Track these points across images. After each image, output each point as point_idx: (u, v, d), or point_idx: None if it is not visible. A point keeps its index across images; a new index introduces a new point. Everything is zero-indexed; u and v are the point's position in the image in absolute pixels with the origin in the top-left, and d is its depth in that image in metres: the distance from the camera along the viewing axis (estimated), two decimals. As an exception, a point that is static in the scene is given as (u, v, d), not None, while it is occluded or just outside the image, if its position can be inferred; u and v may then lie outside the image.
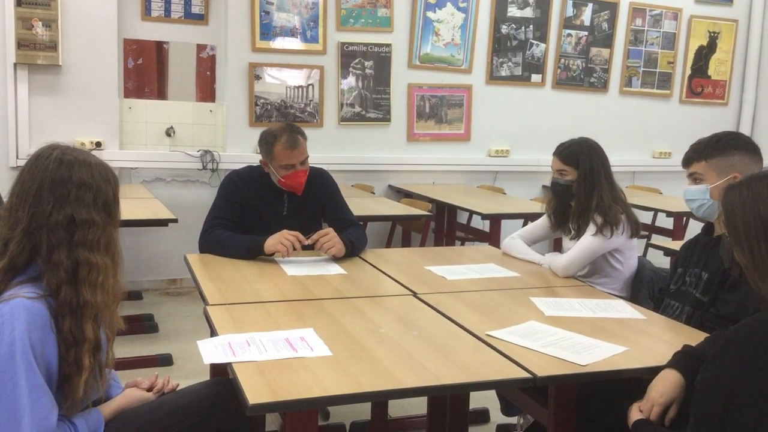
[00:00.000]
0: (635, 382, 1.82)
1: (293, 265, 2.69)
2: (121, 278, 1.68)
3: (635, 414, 1.69)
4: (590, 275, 2.83)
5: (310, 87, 5.44)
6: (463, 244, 5.53)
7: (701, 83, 6.77)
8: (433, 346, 1.86)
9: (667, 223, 5.41)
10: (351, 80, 5.56)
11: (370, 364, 1.71)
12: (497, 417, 3.03)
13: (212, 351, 1.77)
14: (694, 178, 2.23)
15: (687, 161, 2.26)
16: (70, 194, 1.56)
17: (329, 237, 2.77)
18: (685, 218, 5.31)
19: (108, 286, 1.60)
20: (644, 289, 2.80)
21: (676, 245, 3.03)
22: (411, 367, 1.71)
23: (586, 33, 6.24)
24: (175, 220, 3.72)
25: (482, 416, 3.16)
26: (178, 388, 2.00)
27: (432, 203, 5.05)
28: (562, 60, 6.19)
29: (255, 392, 1.52)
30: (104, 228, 1.60)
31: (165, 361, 3.72)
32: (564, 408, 1.96)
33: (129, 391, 1.90)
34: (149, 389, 1.93)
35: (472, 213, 4.97)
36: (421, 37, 5.71)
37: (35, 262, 1.56)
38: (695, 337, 1.94)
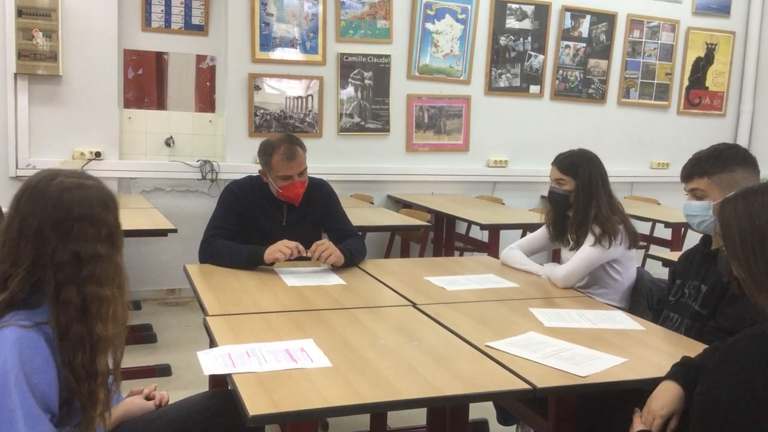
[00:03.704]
0: (635, 392, 1.82)
1: (293, 275, 2.69)
2: (128, 301, 1.63)
3: (637, 425, 1.69)
4: (589, 286, 2.84)
5: (310, 97, 5.46)
6: (462, 254, 5.54)
7: (699, 94, 6.79)
8: (433, 357, 1.86)
9: (666, 233, 5.43)
10: (350, 91, 5.58)
11: (369, 375, 1.71)
12: (497, 428, 3.02)
13: (212, 362, 1.77)
14: (695, 194, 2.17)
15: (688, 176, 2.18)
16: (72, 230, 1.50)
17: (326, 246, 2.78)
18: (683, 229, 5.32)
19: (118, 317, 1.57)
20: (643, 299, 2.80)
21: (675, 256, 3.04)
22: (410, 378, 1.71)
23: (584, 44, 6.27)
24: (174, 231, 3.72)
25: (482, 427, 3.15)
26: (178, 399, 1.99)
27: (431, 213, 5.05)
28: (561, 71, 6.22)
29: (255, 403, 1.52)
30: (110, 258, 1.56)
31: (164, 371, 3.71)
32: (564, 419, 1.96)
33: (129, 399, 1.89)
34: (146, 399, 1.92)
35: (471, 223, 4.97)
36: (420, 48, 5.73)
37: (36, 295, 1.51)
38: (694, 348, 1.95)
